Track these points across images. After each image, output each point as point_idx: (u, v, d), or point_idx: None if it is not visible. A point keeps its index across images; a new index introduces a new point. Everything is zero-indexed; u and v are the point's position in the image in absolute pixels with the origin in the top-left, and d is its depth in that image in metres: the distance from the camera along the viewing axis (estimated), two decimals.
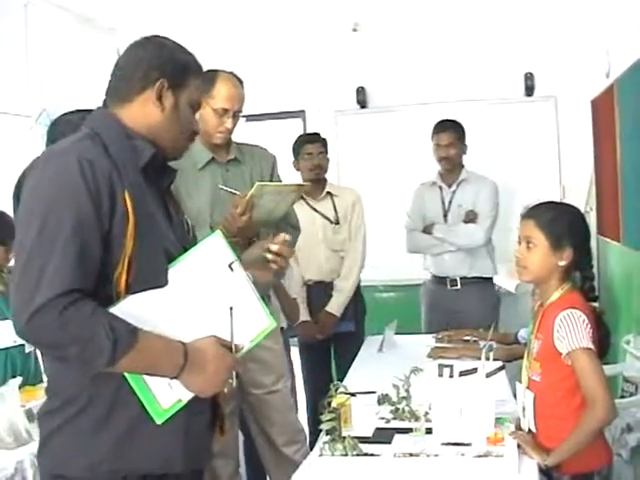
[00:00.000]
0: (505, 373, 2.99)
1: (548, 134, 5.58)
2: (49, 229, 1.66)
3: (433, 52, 5.65)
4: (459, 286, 4.66)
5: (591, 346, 2.32)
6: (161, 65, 1.88)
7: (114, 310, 1.70)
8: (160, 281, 1.80)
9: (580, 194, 5.27)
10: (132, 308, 1.73)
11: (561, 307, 2.39)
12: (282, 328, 3.72)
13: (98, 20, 5.42)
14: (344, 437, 2.38)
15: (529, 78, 5.58)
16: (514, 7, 5.32)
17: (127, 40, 1.96)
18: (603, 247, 4.94)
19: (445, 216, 4.73)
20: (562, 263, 2.44)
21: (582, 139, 5.37)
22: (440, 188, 4.77)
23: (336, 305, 4.44)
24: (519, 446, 2.34)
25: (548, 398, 2.41)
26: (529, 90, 5.61)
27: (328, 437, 2.40)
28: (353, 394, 2.70)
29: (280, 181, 3.39)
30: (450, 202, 4.72)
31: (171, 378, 1.76)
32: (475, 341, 3.67)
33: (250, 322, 1.92)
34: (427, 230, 4.74)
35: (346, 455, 2.35)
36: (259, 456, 3.51)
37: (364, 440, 2.44)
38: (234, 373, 1.88)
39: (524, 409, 2.47)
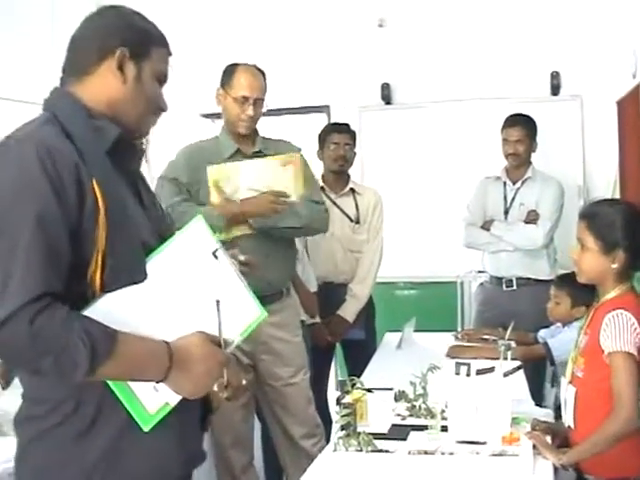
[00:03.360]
0: (523, 372, 2.98)
1: (573, 134, 5.52)
2: (10, 230, 1.48)
3: (459, 49, 5.60)
4: (515, 287, 4.48)
5: (633, 351, 2.29)
6: (120, 32, 1.71)
7: (89, 312, 1.53)
8: (138, 276, 1.61)
9: (603, 196, 5.23)
10: (109, 308, 1.56)
11: (612, 306, 2.37)
12: (302, 321, 3.71)
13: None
14: (359, 433, 2.38)
15: (555, 77, 5.50)
16: (542, 5, 5.29)
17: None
18: None
19: (506, 213, 4.55)
20: (615, 266, 2.40)
21: (607, 140, 5.32)
22: (504, 184, 4.59)
23: (351, 311, 4.24)
24: (534, 446, 2.34)
25: (588, 395, 2.39)
26: (555, 89, 5.54)
27: (343, 432, 2.40)
28: (370, 390, 2.70)
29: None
30: (513, 199, 4.55)
31: (157, 382, 1.60)
32: (494, 340, 3.64)
33: (239, 313, 1.76)
34: (485, 226, 4.57)
35: (360, 451, 2.35)
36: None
37: (379, 436, 2.44)
38: (225, 371, 1.75)
39: (565, 403, 2.46)
